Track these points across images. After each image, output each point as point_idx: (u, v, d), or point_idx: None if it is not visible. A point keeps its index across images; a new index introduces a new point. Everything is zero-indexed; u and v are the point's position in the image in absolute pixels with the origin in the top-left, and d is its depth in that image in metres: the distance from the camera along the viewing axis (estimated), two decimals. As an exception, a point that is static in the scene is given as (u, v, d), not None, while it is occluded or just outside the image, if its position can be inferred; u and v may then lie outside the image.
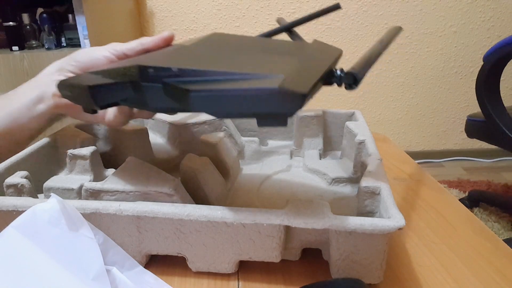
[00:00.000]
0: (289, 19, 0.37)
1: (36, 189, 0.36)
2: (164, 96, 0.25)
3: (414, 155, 1.74)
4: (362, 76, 0.26)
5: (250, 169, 0.49)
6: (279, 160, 0.50)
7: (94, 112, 0.29)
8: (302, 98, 0.20)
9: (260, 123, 0.22)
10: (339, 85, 0.27)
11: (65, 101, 0.36)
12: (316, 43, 0.35)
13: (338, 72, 0.27)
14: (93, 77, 0.27)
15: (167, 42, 0.35)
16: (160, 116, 0.50)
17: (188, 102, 0.22)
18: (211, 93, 0.21)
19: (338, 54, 0.31)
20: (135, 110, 0.37)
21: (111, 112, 0.37)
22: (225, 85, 0.22)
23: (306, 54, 0.29)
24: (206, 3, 1.58)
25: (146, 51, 0.35)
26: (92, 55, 0.36)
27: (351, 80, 0.27)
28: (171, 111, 0.28)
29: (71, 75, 0.37)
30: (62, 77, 0.34)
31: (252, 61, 0.27)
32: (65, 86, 0.29)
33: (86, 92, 0.25)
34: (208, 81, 0.23)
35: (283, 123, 0.21)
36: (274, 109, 0.21)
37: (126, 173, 0.33)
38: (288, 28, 0.41)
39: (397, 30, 0.36)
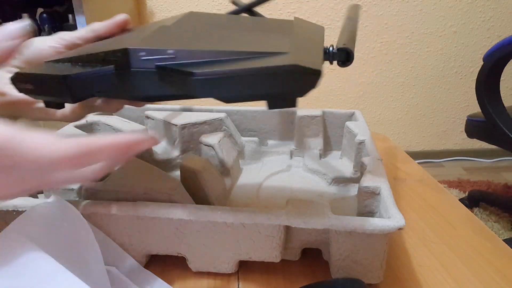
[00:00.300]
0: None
1: (36, 189, 0.36)
2: (158, 83, 0.22)
3: (414, 155, 1.74)
4: (353, 52, 0.25)
5: (250, 169, 0.49)
6: (279, 160, 0.50)
7: (61, 107, 0.26)
8: (318, 76, 0.19)
9: (271, 105, 0.21)
10: (331, 62, 0.26)
11: (15, 98, 0.30)
12: (298, 20, 0.31)
13: (330, 49, 0.26)
14: (61, 67, 0.23)
15: (122, 27, 0.31)
16: (160, 116, 0.50)
17: (191, 87, 0.20)
18: (218, 76, 0.19)
19: (323, 31, 0.30)
20: (98, 102, 0.32)
21: (67, 106, 0.31)
22: (232, 65, 0.20)
23: (295, 32, 0.27)
24: (206, 3, 1.58)
25: (99, 38, 0.30)
26: (36, 46, 0.32)
27: (344, 56, 0.26)
28: (164, 99, 0.25)
29: (15, 70, 0.28)
30: (6, 73, 0.28)
31: (247, 39, 0.25)
32: (25, 79, 0.24)
33: (59, 84, 0.22)
34: (211, 63, 0.21)
35: (293, 103, 0.21)
36: (287, 89, 0.19)
37: (126, 173, 0.33)
38: (249, 8, 0.37)
39: (357, 8, 0.35)
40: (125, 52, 0.22)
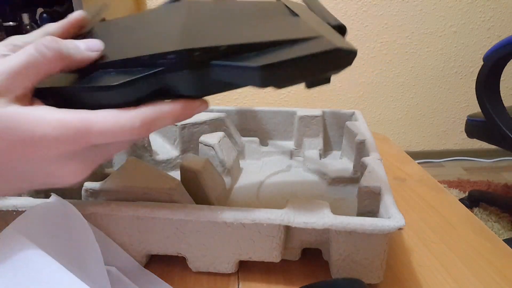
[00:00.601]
0: None
1: (36, 189, 0.36)
2: (210, 81, 0.22)
3: (414, 155, 1.74)
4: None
5: (250, 169, 0.49)
6: (279, 160, 0.50)
7: None
8: (355, 54, 0.22)
9: (310, 85, 0.23)
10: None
11: None
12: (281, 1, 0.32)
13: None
14: (92, 77, 0.22)
15: (78, 26, 0.28)
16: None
17: (256, 79, 0.20)
18: (278, 65, 0.20)
19: (307, 8, 0.31)
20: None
21: None
22: (285, 53, 0.21)
23: (298, 15, 0.28)
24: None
25: None
26: None
27: (343, 32, 0.27)
28: (214, 93, 0.24)
29: None
30: None
31: (269, 27, 0.26)
32: (53, 94, 0.22)
33: (104, 93, 0.21)
34: (261, 54, 0.21)
35: (329, 81, 0.23)
36: (330, 69, 0.22)
37: (126, 173, 0.33)
38: None
39: None
40: (179, 54, 0.21)
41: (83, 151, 0.21)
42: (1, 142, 0.19)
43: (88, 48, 0.22)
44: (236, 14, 0.28)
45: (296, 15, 0.28)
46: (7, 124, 0.19)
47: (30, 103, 0.21)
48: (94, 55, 0.22)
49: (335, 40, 0.22)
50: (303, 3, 0.32)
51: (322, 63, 0.22)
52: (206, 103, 0.24)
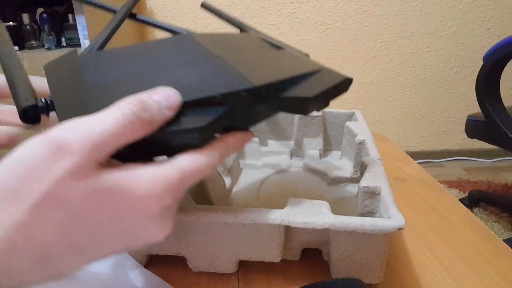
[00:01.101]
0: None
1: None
2: (266, 113, 0.25)
3: (414, 155, 1.74)
4: None
5: (250, 169, 0.49)
6: (279, 160, 0.50)
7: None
8: (352, 82, 0.27)
9: (321, 108, 0.26)
10: None
11: None
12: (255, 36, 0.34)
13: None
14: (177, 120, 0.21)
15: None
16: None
17: (306, 108, 0.24)
18: (320, 94, 0.24)
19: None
20: None
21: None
22: (318, 84, 0.25)
23: (283, 47, 0.32)
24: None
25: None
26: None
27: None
28: (257, 124, 0.26)
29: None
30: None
31: (280, 59, 0.29)
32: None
33: (191, 135, 0.21)
34: (298, 85, 0.25)
35: (328, 104, 0.27)
36: (338, 94, 0.26)
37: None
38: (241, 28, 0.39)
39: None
40: (252, 90, 0.23)
41: (174, 202, 0.21)
42: (99, 212, 0.18)
43: (168, 106, 0.20)
44: (245, 48, 0.31)
45: (280, 47, 0.32)
46: (104, 194, 0.18)
47: (110, 164, 0.19)
48: (175, 112, 0.21)
49: (335, 71, 0.28)
50: (257, 35, 0.35)
51: (338, 90, 0.26)
52: (252, 133, 0.25)
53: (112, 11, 0.36)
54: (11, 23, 1.23)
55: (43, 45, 1.25)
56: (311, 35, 1.63)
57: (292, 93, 0.24)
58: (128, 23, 1.43)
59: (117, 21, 0.32)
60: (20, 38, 1.23)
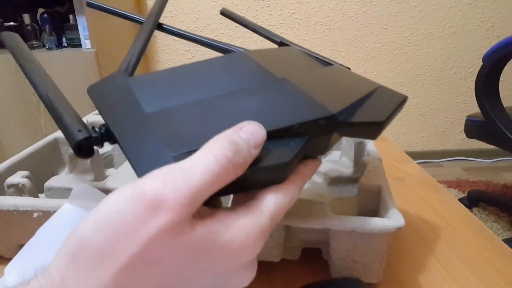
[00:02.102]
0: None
1: (37, 189, 0.36)
2: (337, 137, 0.23)
3: (414, 155, 1.74)
4: None
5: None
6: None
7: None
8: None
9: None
10: None
11: None
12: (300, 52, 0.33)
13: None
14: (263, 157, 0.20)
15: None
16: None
17: (377, 132, 0.23)
18: (389, 117, 0.23)
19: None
20: None
21: None
22: (382, 106, 0.24)
23: (332, 63, 0.31)
24: (207, 3, 1.58)
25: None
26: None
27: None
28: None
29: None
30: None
31: (338, 78, 0.28)
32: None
33: (276, 171, 0.20)
34: (365, 107, 0.23)
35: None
36: (398, 112, 0.25)
37: (127, 173, 0.33)
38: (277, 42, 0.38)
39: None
40: (330, 118, 0.22)
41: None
42: (193, 266, 0.17)
43: (256, 144, 0.19)
44: (300, 67, 0.29)
45: (328, 63, 0.31)
46: (199, 249, 0.17)
47: (199, 212, 0.18)
48: (259, 152, 0.19)
49: (391, 89, 0.27)
50: (299, 49, 0.33)
51: (398, 110, 0.25)
52: (321, 160, 0.24)
53: (125, 16, 0.34)
54: (12, 23, 1.24)
55: (44, 45, 1.25)
56: (311, 36, 1.63)
57: (362, 117, 0.22)
58: (126, 27, 1.43)
59: (146, 35, 0.29)
60: (20, 38, 1.23)
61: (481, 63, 0.95)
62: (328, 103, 0.22)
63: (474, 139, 1.13)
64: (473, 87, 0.98)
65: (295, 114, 0.21)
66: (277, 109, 0.22)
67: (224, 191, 0.19)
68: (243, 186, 0.20)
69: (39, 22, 1.28)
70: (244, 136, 0.19)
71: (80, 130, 0.21)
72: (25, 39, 1.25)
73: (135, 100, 0.22)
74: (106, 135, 0.21)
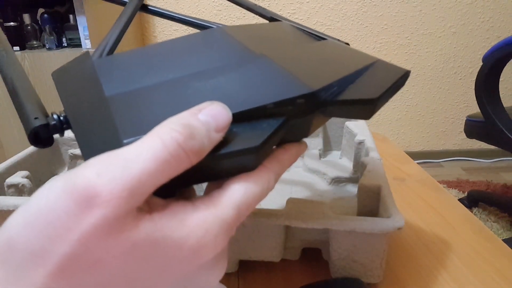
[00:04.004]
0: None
1: (37, 189, 0.36)
2: (321, 119, 0.21)
3: (414, 155, 1.74)
4: None
5: (250, 169, 0.49)
6: (279, 160, 0.50)
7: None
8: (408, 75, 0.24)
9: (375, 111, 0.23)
10: None
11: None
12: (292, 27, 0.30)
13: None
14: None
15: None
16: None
17: (369, 112, 0.20)
18: (384, 93, 0.20)
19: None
20: None
21: None
22: (377, 81, 0.21)
23: (326, 38, 0.29)
24: (207, 3, 1.59)
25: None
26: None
27: None
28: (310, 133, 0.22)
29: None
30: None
31: (328, 53, 0.25)
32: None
33: (244, 157, 0.17)
34: (358, 83, 0.21)
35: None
36: (396, 90, 0.23)
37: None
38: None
39: None
40: (309, 96, 0.19)
41: (228, 242, 0.17)
42: (142, 269, 0.15)
43: (218, 128, 0.16)
44: (286, 42, 0.26)
45: (321, 37, 0.28)
46: (148, 248, 0.15)
47: (150, 205, 0.16)
48: (225, 133, 0.17)
49: (391, 64, 0.24)
50: (291, 24, 0.31)
51: (397, 86, 0.22)
52: (306, 144, 0.22)
53: (122, 3, 0.30)
54: (12, 23, 1.24)
55: (44, 45, 1.25)
56: (311, 36, 1.63)
57: (351, 95, 0.20)
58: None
59: (128, 15, 0.27)
60: (21, 38, 1.24)
61: (481, 63, 0.95)
62: (310, 80, 0.20)
63: (474, 139, 1.13)
64: (473, 87, 0.98)
65: (270, 93, 0.19)
66: (250, 89, 0.19)
67: (186, 180, 0.17)
68: (208, 175, 0.18)
69: (39, 22, 1.28)
70: (203, 119, 0.16)
71: (36, 118, 0.19)
72: (25, 39, 1.25)
73: (97, 82, 0.20)
74: (66, 122, 0.19)
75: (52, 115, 0.19)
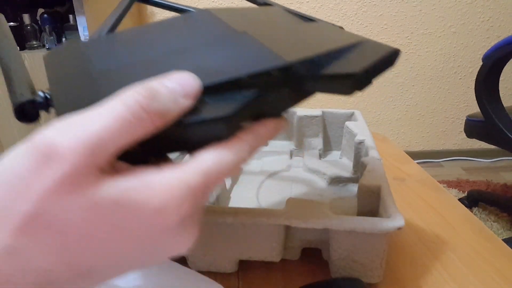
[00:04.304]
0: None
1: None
2: (301, 93, 0.21)
3: (414, 155, 1.74)
4: None
5: (250, 169, 0.49)
6: (279, 160, 0.50)
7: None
8: (399, 55, 0.23)
9: (361, 87, 0.22)
10: None
11: None
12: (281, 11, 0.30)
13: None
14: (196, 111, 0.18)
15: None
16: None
17: (350, 88, 0.19)
18: (367, 69, 0.20)
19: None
20: None
21: None
22: (361, 58, 0.21)
23: (314, 20, 0.29)
24: (207, 3, 1.58)
25: None
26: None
27: None
28: (289, 108, 0.22)
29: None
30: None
31: (315, 32, 0.25)
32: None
33: (214, 127, 0.17)
34: (340, 59, 0.21)
35: (371, 82, 0.23)
36: (384, 68, 0.22)
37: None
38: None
39: None
40: (285, 69, 0.19)
41: (197, 208, 0.18)
42: (104, 230, 0.15)
43: (185, 94, 0.17)
44: (273, 22, 0.26)
45: (311, 20, 0.28)
46: (109, 208, 0.15)
47: (116, 169, 0.16)
48: (193, 101, 0.17)
49: (380, 43, 0.24)
50: (283, 8, 0.31)
51: (384, 65, 0.22)
52: (286, 119, 0.21)
53: None
54: (12, 23, 1.24)
55: (44, 46, 1.25)
56: (311, 36, 1.63)
57: (333, 69, 0.20)
58: (126, 27, 1.43)
59: (127, 2, 0.28)
60: (21, 39, 1.24)
61: (481, 63, 0.95)
62: (287, 54, 0.20)
63: (474, 139, 1.13)
64: (473, 87, 0.98)
65: (245, 66, 0.19)
66: (227, 61, 0.20)
67: (156, 147, 0.17)
68: (180, 144, 0.18)
69: (39, 22, 1.28)
70: (169, 85, 0.17)
71: (23, 93, 0.19)
72: (25, 39, 1.25)
73: (83, 61, 0.21)
74: (51, 99, 0.20)
75: (38, 93, 0.20)
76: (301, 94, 0.21)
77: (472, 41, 1.67)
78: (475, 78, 0.97)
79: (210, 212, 0.29)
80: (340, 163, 0.49)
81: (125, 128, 0.15)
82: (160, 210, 0.15)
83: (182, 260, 0.32)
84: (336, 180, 0.44)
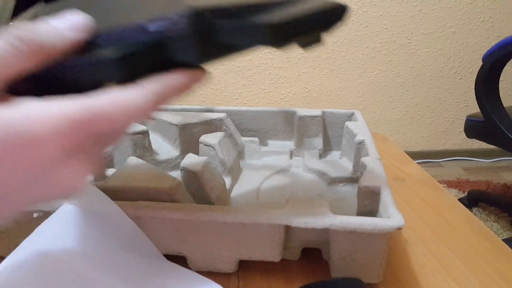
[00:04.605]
0: None
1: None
2: (214, 45, 0.20)
3: (414, 155, 1.74)
4: None
5: (250, 169, 0.49)
6: (279, 160, 0.50)
7: None
8: (347, 11, 0.22)
9: (306, 44, 0.22)
10: None
11: None
12: None
13: None
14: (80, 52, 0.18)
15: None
16: (160, 116, 0.51)
17: (269, 39, 0.19)
18: (289, 21, 0.19)
19: None
20: None
21: None
22: (289, 10, 0.20)
23: None
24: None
25: None
26: None
27: None
28: (210, 60, 0.22)
29: None
30: None
31: None
32: (29, 79, 0.19)
33: (105, 68, 0.18)
34: (264, 12, 0.20)
35: (320, 40, 0.23)
36: (327, 26, 0.21)
37: (127, 173, 0.33)
38: None
39: None
40: (185, 16, 0.18)
41: (87, 145, 0.18)
42: None
43: (72, 27, 0.17)
44: None
45: None
46: None
47: (4, 99, 0.17)
48: (81, 36, 0.17)
49: None
50: None
51: (326, 21, 0.21)
52: (206, 71, 0.21)
53: None
54: (11, 23, 1.23)
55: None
56: (311, 36, 1.63)
57: (250, 20, 0.19)
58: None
59: None
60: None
61: (481, 63, 0.95)
62: (200, 4, 0.19)
63: (474, 139, 1.13)
64: (473, 87, 0.98)
65: (151, 13, 0.19)
66: (138, 9, 0.20)
67: (48, 87, 0.17)
68: (73, 87, 0.18)
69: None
70: (53, 21, 0.17)
71: None
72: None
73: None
74: None
75: None
76: (219, 46, 0.20)
77: (472, 41, 1.67)
78: (475, 78, 0.97)
79: (210, 212, 0.29)
80: (340, 163, 0.49)
81: (5, 59, 0.16)
82: (39, 139, 0.16)
83: (182, 260, 0.32)
84: (336, 180, 0.44)
